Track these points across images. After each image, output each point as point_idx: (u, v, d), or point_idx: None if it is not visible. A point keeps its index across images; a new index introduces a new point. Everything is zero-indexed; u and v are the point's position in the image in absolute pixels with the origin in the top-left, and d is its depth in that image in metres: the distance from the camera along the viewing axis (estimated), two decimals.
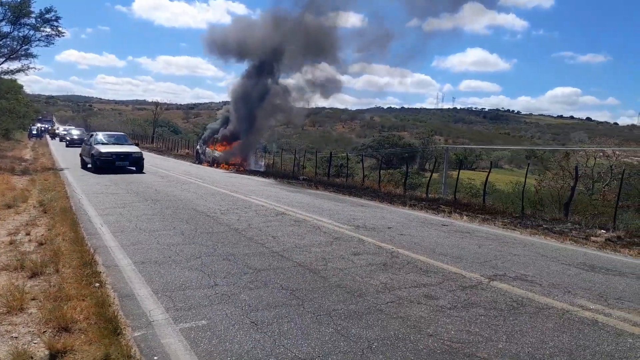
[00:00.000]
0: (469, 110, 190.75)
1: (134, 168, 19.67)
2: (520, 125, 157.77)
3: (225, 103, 35.88)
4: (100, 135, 21.85)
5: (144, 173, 19.06)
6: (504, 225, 10.38)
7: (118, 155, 19.24)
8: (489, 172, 16.05)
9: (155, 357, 3.56)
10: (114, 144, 20.63)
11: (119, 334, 3.81)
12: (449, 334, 4.17)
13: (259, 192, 14.75)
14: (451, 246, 7.74)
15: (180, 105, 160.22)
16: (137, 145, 23.46)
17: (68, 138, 43.87)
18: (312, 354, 3.68)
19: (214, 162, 29.27)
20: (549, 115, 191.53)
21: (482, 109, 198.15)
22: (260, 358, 3.57)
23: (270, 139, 37.46)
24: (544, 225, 10.44)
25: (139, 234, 7.68)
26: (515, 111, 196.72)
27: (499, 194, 22.33)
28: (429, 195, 15.62)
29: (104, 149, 19.31)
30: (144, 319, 4.25)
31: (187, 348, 3.72)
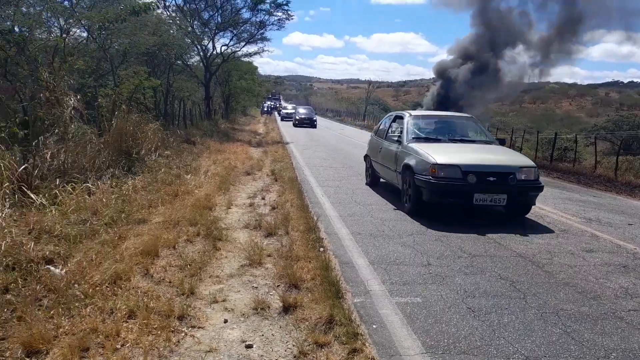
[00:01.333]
0: None
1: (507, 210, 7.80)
2: None
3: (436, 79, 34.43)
4: (413, 119, 9.02)
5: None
6: None
7: (482, 176, 7.01)
8: None
9: (374, 326, 3.70)
10: (452, 140, 8.51)
11: (341, 298, 4.07)
12: None
13: None
14: None
15: (391, 83, 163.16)
16: (502, 142, 9.05)
17: (297, 117, 37.61)
18: (537, 352, 3.37)
19: None
20: None
21: None
22: (478, 346, 3.41)
23: (483, 117, 35.12)
24: None
25: (354, 206, 8.11)
26: None
27: None
28: None
29: (438, 154, 7.30)
30: (362, 287, 4.47)
31: (403, 322, 3.78)
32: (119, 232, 5.35)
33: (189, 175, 9.40)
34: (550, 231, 6.95)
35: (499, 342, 3.50)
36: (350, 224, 6.79)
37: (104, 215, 5.76)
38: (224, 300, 4.05)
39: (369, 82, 71.22)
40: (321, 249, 5.37)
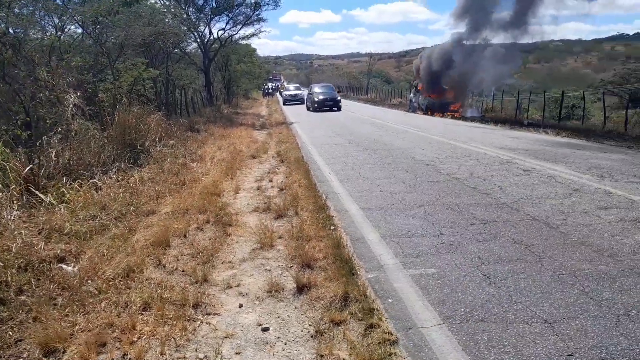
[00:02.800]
0: None
1: None
2: None
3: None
4: None
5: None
6: None
7: None
8: None
9: (389, 300, 3.69)
10: None
11: (354, 275, 4.05)
12: None
13: (478, 139, 13.97)
14: None
15: (392, 54, 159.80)
16: None
17: (315, 99, 29.03)
18: (556, 315, 3.33)
19: (427, 110, 28.84)
20: None
21: None
22: (496, 313, 3.39)
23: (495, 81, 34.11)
24: None
25: (362, 182, 8.05)
26: None
27: None
28: None
29: None
30: (375, 262, 4.45)
31: (418, 294, 3.75)
32: (129, 225, 5.35)
33: (195, 163, 9.37)
34: (563, 191, 6.86)
35: (516, 307, 3.46)
36: (359, 200, 6.75)
37: (112, 210, 5.76)
38: (237, 285, 4.05)
39: (370, 55, 70.13)
40: (332, 227, 5.34)
